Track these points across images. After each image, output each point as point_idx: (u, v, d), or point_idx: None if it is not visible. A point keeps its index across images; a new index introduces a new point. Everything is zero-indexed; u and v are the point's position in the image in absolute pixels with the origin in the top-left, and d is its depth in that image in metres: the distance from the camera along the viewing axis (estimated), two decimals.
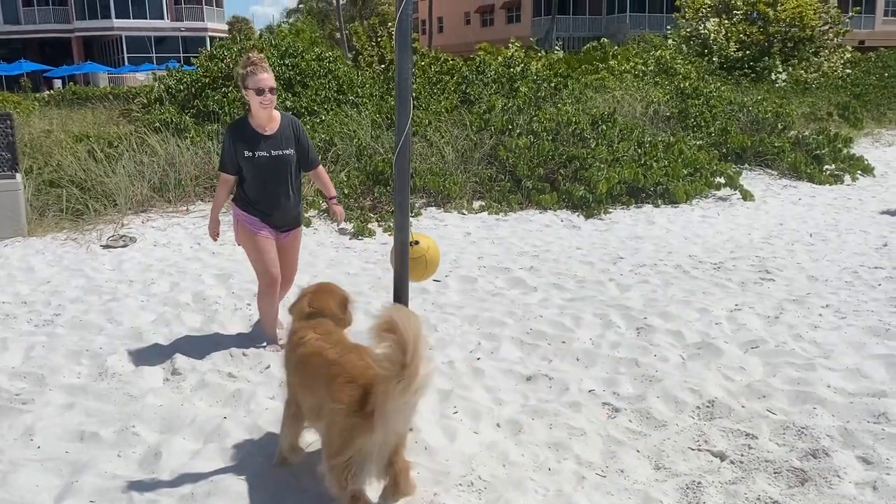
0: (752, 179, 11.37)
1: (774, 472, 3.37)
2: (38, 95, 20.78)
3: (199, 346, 4.99)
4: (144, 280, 6.56)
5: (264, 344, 4.92)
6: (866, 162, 12.25)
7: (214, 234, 4.93)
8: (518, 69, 14.72)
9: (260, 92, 4.43)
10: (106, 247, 7.78)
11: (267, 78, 4.45)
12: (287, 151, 4.59)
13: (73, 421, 3.95)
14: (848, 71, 21.68)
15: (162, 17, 48.77)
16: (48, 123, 12.43)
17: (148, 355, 4.82)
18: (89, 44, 49.42)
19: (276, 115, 4.60)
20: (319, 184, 5.05)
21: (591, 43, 23.40)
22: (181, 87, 12.57)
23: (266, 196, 4.61)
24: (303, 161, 4.75)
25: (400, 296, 3.58)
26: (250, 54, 4.58)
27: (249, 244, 4.72)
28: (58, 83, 34.66)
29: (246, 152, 4.51)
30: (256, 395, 4.19)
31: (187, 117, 11.42)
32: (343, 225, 8.34)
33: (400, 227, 3.47)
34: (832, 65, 21.53)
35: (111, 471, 3.47)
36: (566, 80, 14.60)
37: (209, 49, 13.71)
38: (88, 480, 3.36)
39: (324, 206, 9.05)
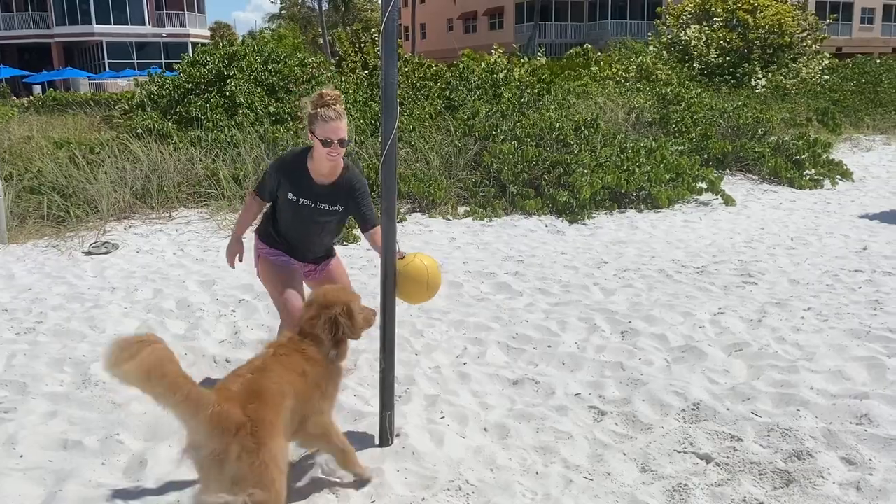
0: (733, 184, 11.48)
1: (759, 474, 3.40)
2: (17, 101, 20.57)
3: (183, 353, 4.96)
4: (127, 287, 6.51)
5: None
6: (845, 167, 12.42)
7: (232, 260, 4.20)
8: (501, 75, 14.77)
9: (327, 143, 3.75)
10: (88, 253, 7.71)
11: (339, 127, 3.75)
12: (335, 207, 3.96)
13: (56, 429, 3.91)
14: (826, 77, 21.94)
15: (143, 23, 48.48)
16: (28, 129, 12.29)
17: None
18: (69, 49, 49.03)
19: (339, 163, 3.92)
20: (375, 247, 3.79)
21: (573, 49, 23.55)
22: (163, 93, 12.49)
23: (296, 242, 4.09)
24: (358, 222, 4.01)
25: (386, 302, 3.58)
26: (325, 91, 3.82)
27: (270, 276, 4.08)
28: (37, 89, 34.35)
29: (290, 195, 3.92)
30: None
31: (170, 123, 11.35)
32: None
33: (386, 233, 3.47)
34: (811, 71, 21.78)
35: (95, 479, 3.44)
36: (549, 87, 14.68)
37: (192, 55, 13.64)
38: (72, 489, 3.32)
39: None
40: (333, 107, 3.77)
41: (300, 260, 4.16)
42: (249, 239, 4.20)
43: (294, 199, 3.92)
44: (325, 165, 3.87)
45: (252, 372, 2.89)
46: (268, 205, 4.16)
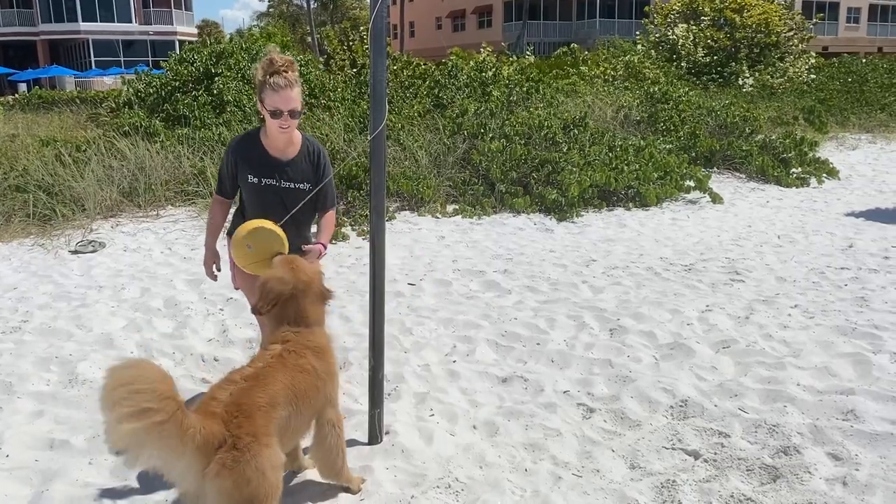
0: (720, 182, 11.53)
1: (747, 470, 3.42)
2: (2, 99, 20.40)
3: (171, 351, 4.94)
4: (114, 285, 6.47)
5: None
6: (831, 165, 12.49)
7: (211, 272, 3.85)
8: (490, 74, 14.78)
9: (276, 114, 3.43)
10: (74, 252, 7.66)
11: (289, 97, 3.42)
12: (301, 186, 3.61)
13: (42, 429, 3.88)
14: (812, 76, 22.09)
15: (130, 21, 48.19)
16: (13, 128, 12.23)
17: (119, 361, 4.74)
18: (55, 47, 48.66)
19: (297, 137, 3.62)
20: (321, 227, 3.78)
21: (561, 48, 23.61)
22: (151, 91, 12.43)
23: None
24: (318, 199, 3.70)
25: (375, 299, 3.58)
26: (273, 55, 3.47)
27: (249, 286, 3.71)
28: (23, 87, 34.10)
29: (250, 177, 3.57)
30: None
31: (157, 121, 11.30)
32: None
33: (376, 230, 3.46)
34: (797, 70, 21.93)
35: (83, 479, 3.42)
36: (538, 85, 14.70)
37: (179, 53, 13.58)
38: (59, 489, 3.30)
39: None
40: (284, 74, 3.43)
41: None
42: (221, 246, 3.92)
43: (255, 181, 3.57)
44: (279, 139, 3.55)
45: (245, 379, 2.74)
46: (233, 207, 3.84)
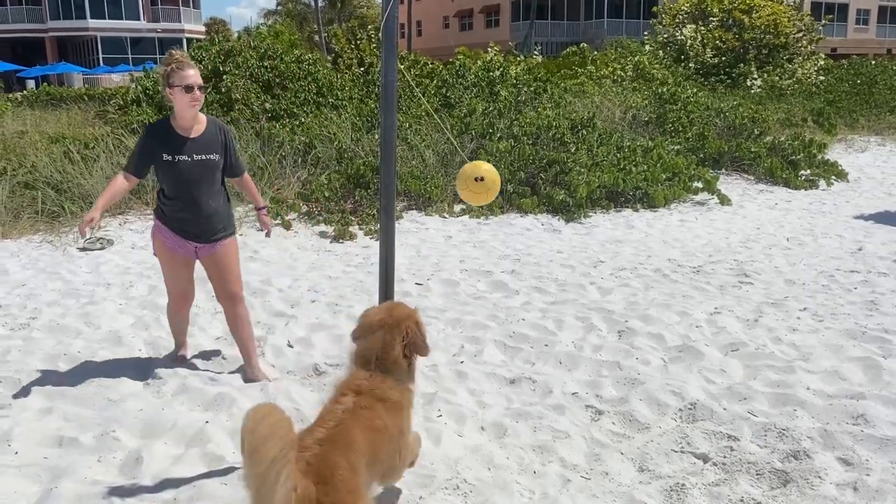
0: (729, 184, 11.50)
1: (757, 474, 3.41)
2: (10, 96, 20.47)
3: None
4: (123, 283, 6.48)
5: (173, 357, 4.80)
6: (840, 167, 12.44)
7: (84, 228, 3.95)
8: (498, 73, 14.76)
9: (189, 89, 4.04)
10: (83, 249, 7.67)
11: (195, 74, 4.09)
12: (211, 156, 4.21)
13: (51, 426, 3.89)
14: (821, 78, 21.99)
15: (138, 18, 48.31)
16: (22, 124, 12.26)
17: (127, 359, 4.76)
18: (63, 44, 48.81)
19: (202, 116, 4.25)
20: (247, 193, 4.67)
21: (570, 48, 23.57)
22: (159, 89, 12.43)
23: (186, 204, 4.20)
24: (228, 167, 4.37)
25: (385, 299, 3.57)
26: (172, 51, 4.21)
27: (162, 261, 4.47)
28: (31, 83, 34.22)
29: (165, 155, 4.10)
30: (238, 398, 4.15)
31: None
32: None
33: (385, 230, 3.46)
34: (806, 72, 21.84)
35: (91, 476, 3.42)
36: (546, 85, 14.67)
37: (187, 50, 13.59)
38: (68, 486, 3.30)
39: (304, 208, 9.02)
40: (185, 61, 4.09)
41: (192, 235, 4.27)
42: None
43: (170, 158, 4.09)
44: (188, 116, 4.11)
45: (320, 444, 2.47)
46: (148, 187, 4.32)
